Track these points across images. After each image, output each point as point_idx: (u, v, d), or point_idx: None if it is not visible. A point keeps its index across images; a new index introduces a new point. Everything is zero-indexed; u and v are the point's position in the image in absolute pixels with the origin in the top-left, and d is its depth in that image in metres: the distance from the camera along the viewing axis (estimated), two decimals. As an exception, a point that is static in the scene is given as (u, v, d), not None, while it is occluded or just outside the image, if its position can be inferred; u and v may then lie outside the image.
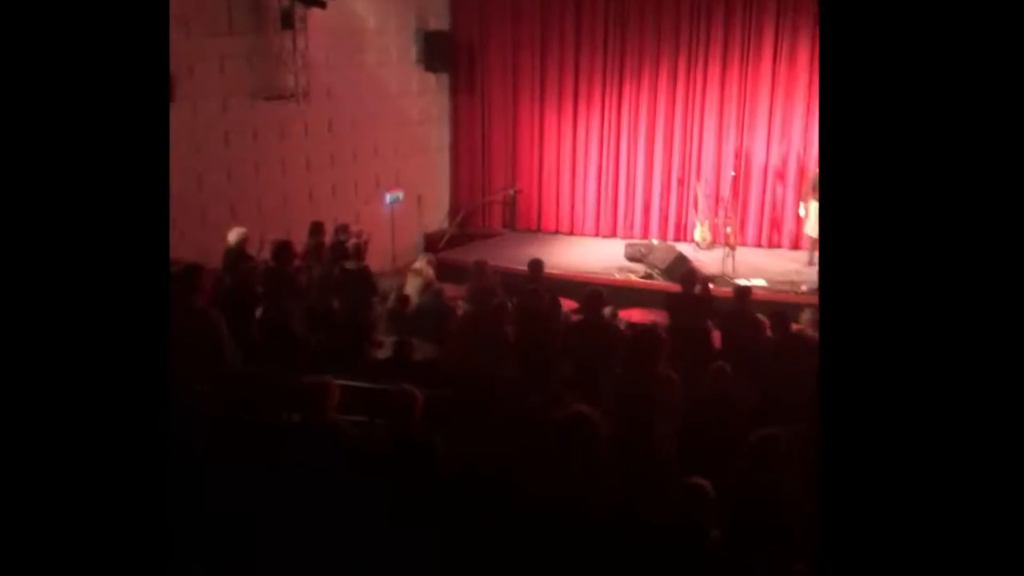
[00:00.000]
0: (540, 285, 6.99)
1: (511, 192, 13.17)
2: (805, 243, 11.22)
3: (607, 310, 6.70)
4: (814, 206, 10.47)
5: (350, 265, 7.60)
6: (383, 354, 6.05)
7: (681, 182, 12.36)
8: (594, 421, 3.21)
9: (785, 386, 5.43)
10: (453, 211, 13.35)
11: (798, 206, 11.15)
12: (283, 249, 7.07)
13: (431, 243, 12.09)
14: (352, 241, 8.17)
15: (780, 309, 6.92)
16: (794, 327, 6.44)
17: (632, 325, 6.89)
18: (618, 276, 10.69)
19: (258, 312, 6.36)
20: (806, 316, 6.59)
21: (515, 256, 10.74)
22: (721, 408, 4.85)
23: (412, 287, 7.88)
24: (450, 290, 7.86)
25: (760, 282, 10.03)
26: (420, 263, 8.20)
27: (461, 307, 7.36)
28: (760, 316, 6.74)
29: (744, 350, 6.15)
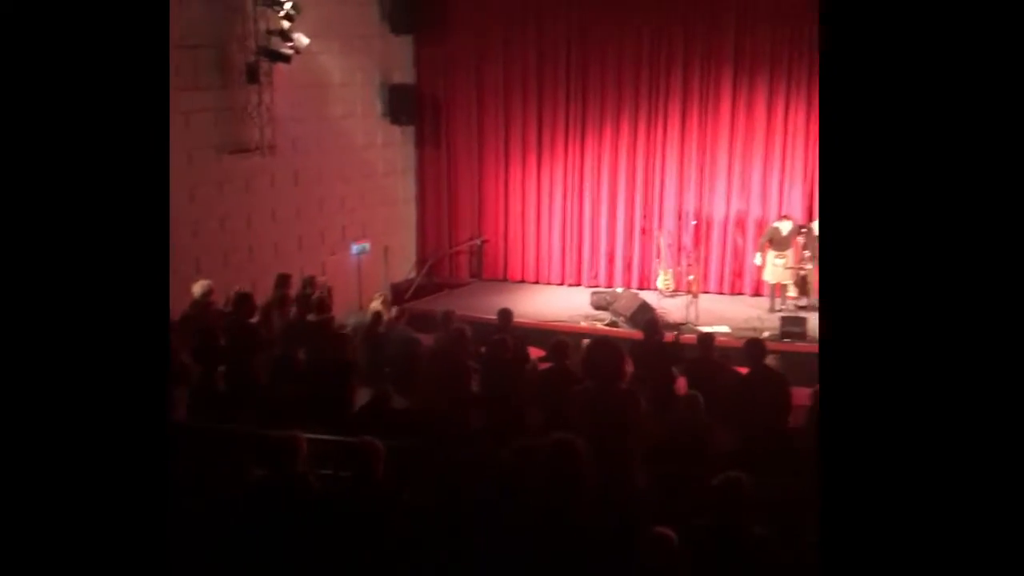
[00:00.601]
0: (508, 334, 7.03)
1: (477, 242, 13.27)
2: (765, 290, 11.44)
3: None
4: (771, 255, 10.78)
5: (312, 317, 7.60)
6: (357, 404, 6.05)
7: (644, 231, 12.54)
8: (577, 447, 3.23)
9: (756, 426, 5.52)
10: (420, 261, 13.41)
11: (755, 255, 11.38)
12: (244, 301, 7.06)
13: (398, 293, 12.12)
14: (316, 294, 8.18)
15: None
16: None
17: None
18: (584, 324, 10.76)
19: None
20: (770, 361, 6.68)
21: (483, 305, 10.80)
22: (691, 449, 4.89)
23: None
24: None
25: (724, 328, 10.15)
26: (376, 302, 8.23)
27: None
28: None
29: (710, 396, 6.20)
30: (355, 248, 11.31)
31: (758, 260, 11.13)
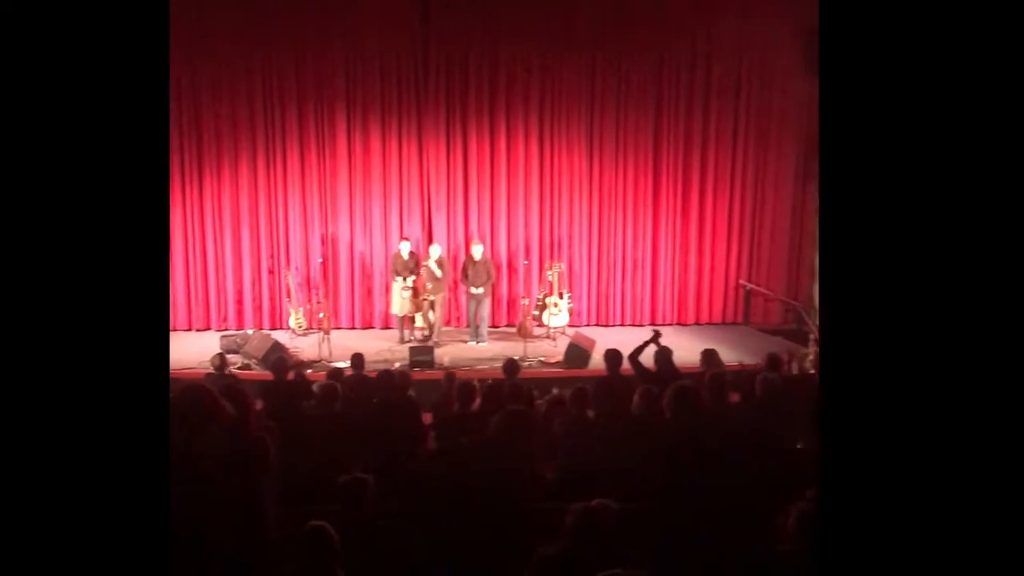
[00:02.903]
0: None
1: (92, 292, 12.35)
2: (393, 322, 11.92)
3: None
4: (397, 287, 11.27)
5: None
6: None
7: (272, 271, 12.48)
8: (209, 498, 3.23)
9: (389, 449, 5.83)
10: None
11: (388, 287, 11.84)
12: None
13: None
14: None
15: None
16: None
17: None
18: (213, 370, 10.43)
19: None
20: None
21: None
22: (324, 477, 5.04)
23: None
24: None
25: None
26: None
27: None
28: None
29: (345, 425, 6.41)
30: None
31: (393, 291, 11.57)
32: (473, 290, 11.39)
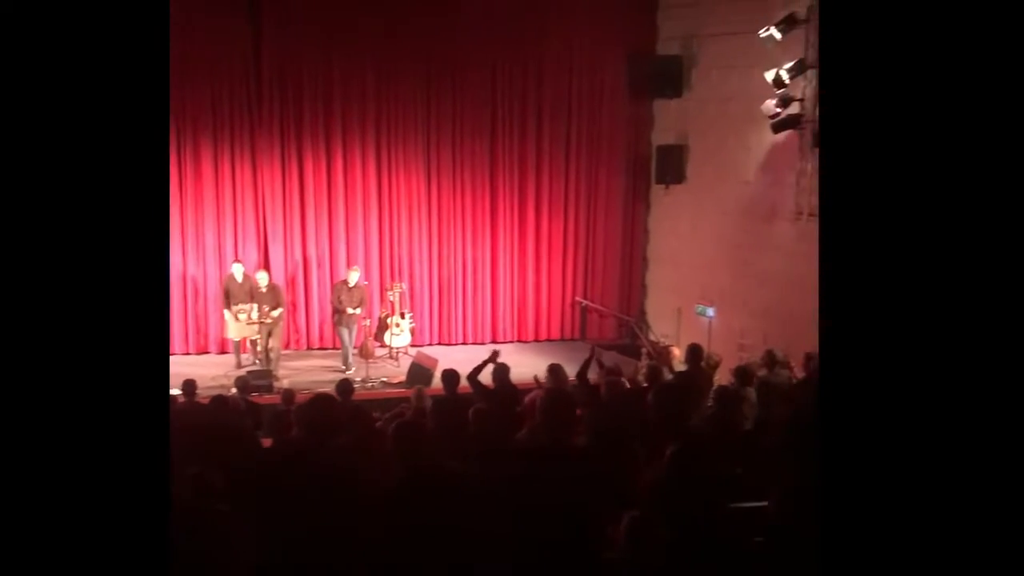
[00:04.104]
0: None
1: None
2: (230, 347, 11.59)
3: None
4: (228, 315, 11.08)
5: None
6: None
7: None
8: None
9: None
10: None
11: (221, 313, 11.54)
12: None
13: None
14: None
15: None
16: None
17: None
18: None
19: None
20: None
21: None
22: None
23: None
24: None
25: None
26: None
27: None
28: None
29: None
30: None
31: (228, 316, 11.26)
32: (350, 310, 11.27)
